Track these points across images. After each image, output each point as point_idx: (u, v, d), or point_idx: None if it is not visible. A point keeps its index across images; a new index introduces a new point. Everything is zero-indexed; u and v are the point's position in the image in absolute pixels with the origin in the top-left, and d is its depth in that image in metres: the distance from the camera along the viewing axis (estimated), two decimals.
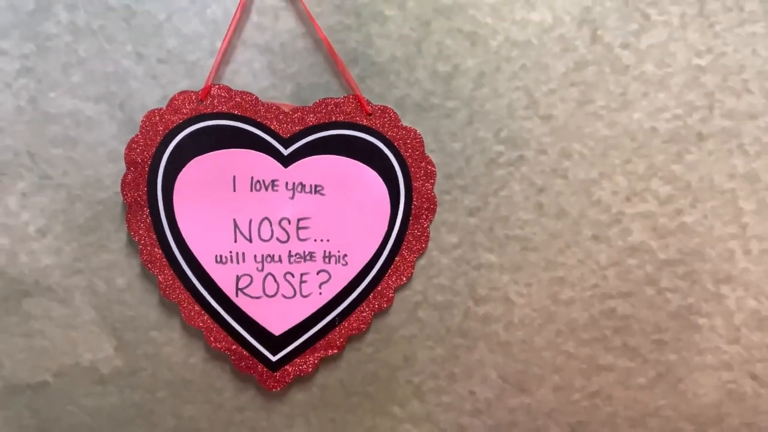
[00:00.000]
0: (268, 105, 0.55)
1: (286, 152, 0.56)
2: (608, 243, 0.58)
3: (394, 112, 0.56)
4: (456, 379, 0.60)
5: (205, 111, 0.55)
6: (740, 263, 0.58)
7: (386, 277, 0.59)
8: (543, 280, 0.58)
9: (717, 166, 0.56)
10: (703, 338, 0.59)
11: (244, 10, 0.54)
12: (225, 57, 0.54)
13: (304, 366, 0.59)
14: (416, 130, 0.56)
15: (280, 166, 0.56)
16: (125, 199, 0.55)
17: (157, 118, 0.54)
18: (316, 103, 0.55)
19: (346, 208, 0.57)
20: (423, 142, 0.56)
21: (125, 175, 0.55)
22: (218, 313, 0.57)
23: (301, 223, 0.57)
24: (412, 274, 0.59)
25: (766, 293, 0.58)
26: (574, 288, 0.58)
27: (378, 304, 0.59)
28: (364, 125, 0.56)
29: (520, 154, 0.56)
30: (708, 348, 0.59)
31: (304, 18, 0.54)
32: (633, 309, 0.59)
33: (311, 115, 0.56)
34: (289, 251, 0.57)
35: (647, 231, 0.57)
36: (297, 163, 0.56)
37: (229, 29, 0.53)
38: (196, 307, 0.57)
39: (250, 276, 0.57)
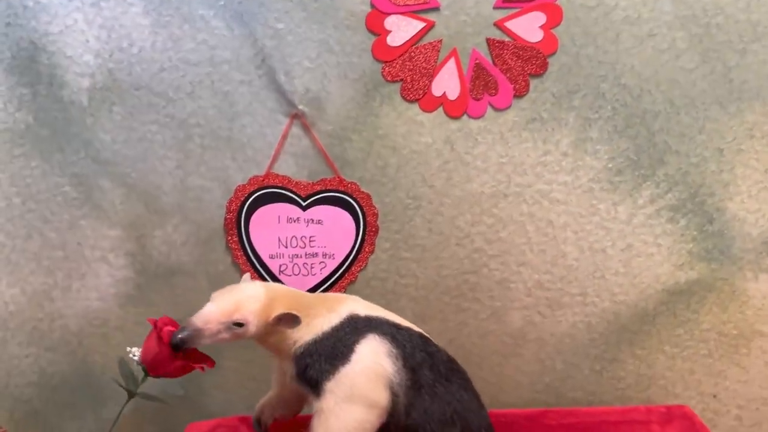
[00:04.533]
0: (295, 181, 1.13)
1: (304, 204, 1.14)
2: (464, 246, 1.16)
3: (357, 184, 1.14)
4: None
5: (265, 185, 1.12)
6: (528, 256, 1.17)
7: (354, 265, 1.17)
8: (432, 265, 1.17)
9: (514, 209, 1.15)
10: (513, 294, 1.18)
11: (284, 137, 1.11)
12: (275, 159, 1.12)
13: None
14: (368, 193, 1.14)
15: (301, 210, 1.14)
16: (226, 227, 1.13)
17: (242, 188, 1.12)
18: (319, 180, 1.13)
19: (334, 231, 1.15)
20: (371, 199, 1.14)
21: (226, 216, 1.12)
22: None
23: (311, 239, 1.15)
24: (367, 263, 1.17)
25: (542, 271, 1.17)
26: (448, 269, 1.17)
27: (350, 279, 1.17)
28: (343, 190, 1.14)
29: (419, 204, 1.15)
30: (515, 299, 1.18)
31: (313, 140, 1.12)
32: (477, 279, 1.17)
33: (317, 186, 1.14)
34: (305, 252, 1.15)
35: (482, 240, 1.16)
36: (310, 209, 1.14)
37: (277, 146, 1.11)
38: (259, 280, 1.15)
39: (287, 264, 1.15)
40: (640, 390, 1.22)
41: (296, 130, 1.11)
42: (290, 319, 0.86)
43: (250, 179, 1.12)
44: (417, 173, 1.13)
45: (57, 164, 1.09)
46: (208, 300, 1.15)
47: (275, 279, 1.15)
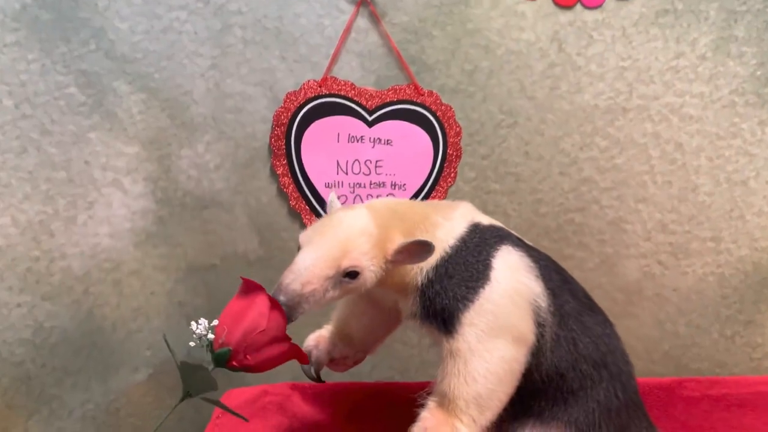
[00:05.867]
0: (359, 89, 0.89)
1: (370, 118, 0.90)
2: (569, 176, 0.93)
3: (437, 94, 0.90)
4: None
5: (322, 92, 0.89)
6: (650, 189, 0.93)
7: (429, 198, 0.93)
8: (528, 200, 0.93)
9: (635, 128, 0.91)
10: (628, 238, 0.94)
11: (347, 30, 0.88)
12: (335, 59, 0.88)
13: None
14: (450, 105, 0.91)
15: (366, 127, 0.90)
16: (271, 147, 0.89)
17: (293, 96, 0.88)
18: (390, 88, 0.90)
19: (405, 154, 0.92)
20: (454, 112, 0.91)
21: (272, 133, 0.89)
22: None
23: (378, 163, 0.92)
24: (446, 196, 0.93)
25: (666, 209, 0.93)
26: (548, 205, 0.93)
27: None
28: (419, 102, 0.90)
29: (515, 120, 0.91)
30: (631, 244, 0.94)
31: (384, 35, 0.88)
32: (584, 219, 0.94)
33: (387, 96, 0.90)
34: (370, 181, 0.92)
35: (593, 169, 0.92)
36: (377, 125, 0.90)
37: (338, 42, 0.88)
38: (312, 216, 0.91)
39: (346, 196, 0.91)
40: None
41: (362, 21, 0.88)
42: (422, 249, 0.61)
43: (303, 85, 0.88)
44: (514, 80, 0.90)
45: (60, 58, 0.86)
46: (247, 240, 0.92)
47: None
